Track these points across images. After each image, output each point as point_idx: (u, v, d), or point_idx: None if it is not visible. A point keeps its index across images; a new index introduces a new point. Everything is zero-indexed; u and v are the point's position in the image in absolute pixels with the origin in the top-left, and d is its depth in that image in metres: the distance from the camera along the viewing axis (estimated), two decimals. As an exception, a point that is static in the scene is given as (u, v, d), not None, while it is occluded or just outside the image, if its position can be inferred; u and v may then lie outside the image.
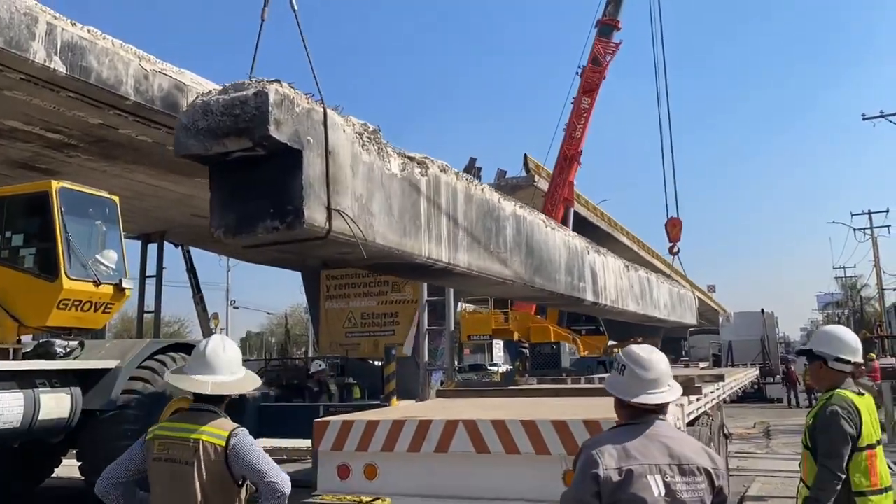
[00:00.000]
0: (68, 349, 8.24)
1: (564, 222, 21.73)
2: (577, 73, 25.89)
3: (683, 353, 40.69)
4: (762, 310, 33.42)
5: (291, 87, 4.18)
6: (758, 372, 22.37)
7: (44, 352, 8.04)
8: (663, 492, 2.35)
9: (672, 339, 44.58)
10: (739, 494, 9.35)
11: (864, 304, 62.59)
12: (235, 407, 3.38)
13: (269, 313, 66.92)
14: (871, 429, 3.74)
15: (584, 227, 28.41)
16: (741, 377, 12.58)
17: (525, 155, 28.94)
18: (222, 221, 4.28)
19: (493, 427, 4.51)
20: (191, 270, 17.61)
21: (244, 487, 3.22)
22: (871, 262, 45.07)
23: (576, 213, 28.31)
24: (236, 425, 3.24)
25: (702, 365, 20.54)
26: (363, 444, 4.77)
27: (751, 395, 26.57)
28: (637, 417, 2.54)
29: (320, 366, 12.07)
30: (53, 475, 9.85)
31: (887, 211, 45.01)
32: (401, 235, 5.01)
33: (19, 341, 8.37)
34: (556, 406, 5.86)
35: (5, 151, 12.33)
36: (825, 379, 3.85)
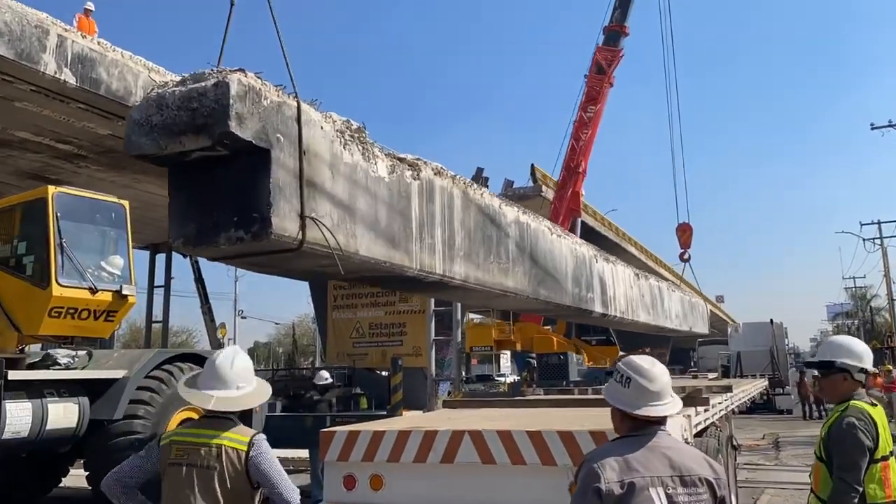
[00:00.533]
0: (75, 359, 8.25)
1: (571, 233, 21.64)
2: (586, 81, 25.78)
3: (692, 363, 40.46)
4: (771, 320, 33.23)
5: (258, 78, 3.77)
6: (767, 383, 22.21)
7: (51, 362, 8.05)
8: (665, 503, 2.34)
9: (681, 350, 44.36)
10: (748, 506, 9.27)
11: (874, 315, 62.15)
12: (243, 418, 3.39)
13: (276, 323, 67.02)
14: (885, 440, 3.70)
15: (591, 237, 28.32)
16: (750, 388, 12.49)
17: (532, 165, 28.97)
18: (181, 231, 3.89)
19: (500, 438, 4.49)
20: (199, 280, 17.66)
21: (258, 493, 3.29)
22: (881, 272, 44.75)
23: (583, 223, 28.24)
24: (255, 431, 3.31)
25: (710, 375, 20.43)
26: (369, 455, 4.75)
27: (760, 407, 26.41)
28: (639, 429, 2.52)
29: (326, 378, 12.00)
30: (61, 484, 9.87)
31: (897, 220, 44.71)
32: (388, 246, 4.60)
33: (22, 350, 8.33)
34: (562, 417, 5.83)
35: (16, 162, 12.45)
36: (841, 390, 3.80)
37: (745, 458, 13.92)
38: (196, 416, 8.44)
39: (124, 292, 8.77)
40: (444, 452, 4.57)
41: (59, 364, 7.99)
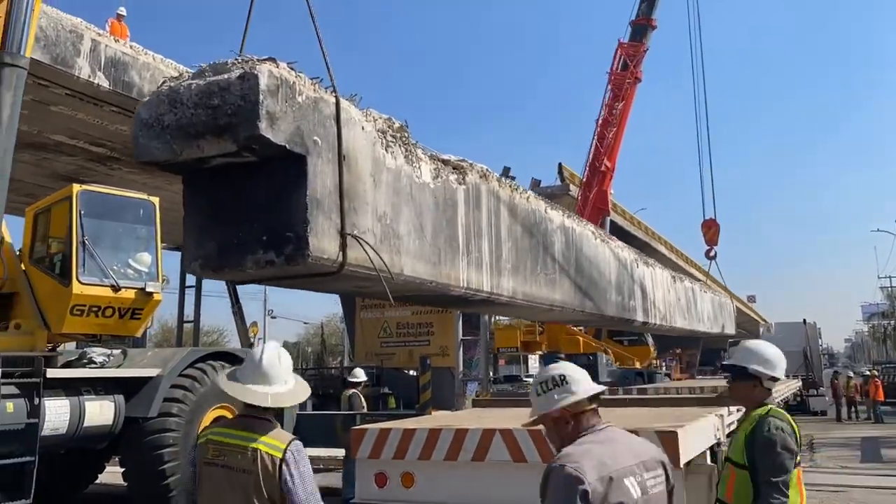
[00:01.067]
0: (110, 357, 8.37)
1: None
2: (608, 79, 25.14)
3: (722, 364, 39.96)
4: (804, 320, 32.68)
5: (291, 69, 3.22)
6: (800, 383, 21.85)
7: (87, 360, 8.19)
8: (640, 491, 2.34)
9: (711, 350, 43.79)
10: (783, 508, 9.13)
11: (911, 315, 60.81)
12: (276, 416, 3.36)
13: (305, 323, 67.45)
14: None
15: (620, 236, 27.88)
16: (783, 388, 12.32)
17: (560, 164, 28.78)
18: (199, 252, 3.35)
19: (530, 436, 4.48)
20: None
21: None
22: (918, 271, 43.71)
23: (612, 222, 27.94)
24: (293, 437, 3.19)
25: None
26: (400, 453, 4.76)
27: (794, 408, 25.94)
28: (588, 428, 2.49)
29: (359, 377, 11.92)
30: (97, 481, 10.05)
31: (934, 218, 43.71)
32: (435, 262, 4.13)
33: (54, 348, 8.44)
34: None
35: (51, 165, 12.72)
36: (754, 396, 3.75)
37: (779, 460, 13.70)
38: (230, 415, 8.56)
39: (148, 290, 8.62)
40: (475, 451, 4.57)
41: (95, 362, 8.12)
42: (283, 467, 3.07)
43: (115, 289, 8.32)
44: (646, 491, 2.35)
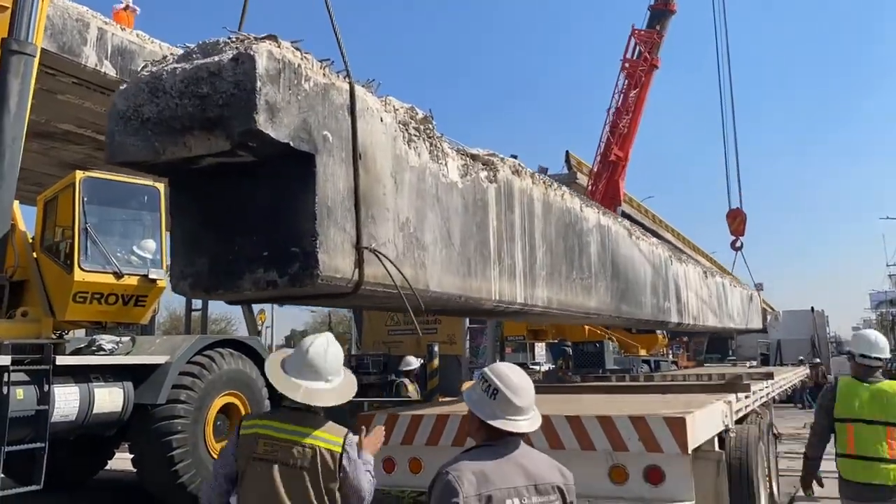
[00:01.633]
0: (119, 344, 8.42)
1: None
2: (621, 66, 24.51)
3: (730, 352, 39.89)
4: (812, 308, 32.60)
5: (296, 49, 2.72)
6: (808, 371, 21.79)
7: (96, 347, 8.24)
8: None
9: (718, 339, 43.71)
10: (790, 495, 9.12)
11: (920, 303, 60.51)
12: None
13: (312, 311, 67.60)
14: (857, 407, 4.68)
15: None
16: (790, 376, 12.29)
17: (567, 152, 28.71)
18: (188, 268, 2.89)
19: (538, 422, 4.48)
20: (237, 269, 17.82)
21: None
22: (927, 259, 43.48)
23: (622, 212, 27.78)
24: (346, 430, 3.06)
25: (749, 364, 20.11)
26: (408, 438, 4.78)
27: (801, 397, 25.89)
28: (496, 438, 2.50)
29: (411, 364, 11.81)
30: (106, 467, 10.13)
31: (944, 206, 43.38)
32: (464, 274, 3.68)
33: (61, 336, 8.48)
34: (601, 402, 5.80)
35: (59, 154, 12.76)
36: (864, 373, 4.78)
37: (786, 447, 13.68)
38: (239, 403, 8.57)
39: (152, 276, 8.57)
40: (483, 436, 4.58)
41: (104, 349, 8.16)
42: (344, 463, 2.98)
43: (118, 276, 8.29)
44: None
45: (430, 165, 3.39)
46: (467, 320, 19.17)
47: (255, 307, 21.23)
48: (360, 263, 2.83)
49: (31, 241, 8.62)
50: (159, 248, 8.87)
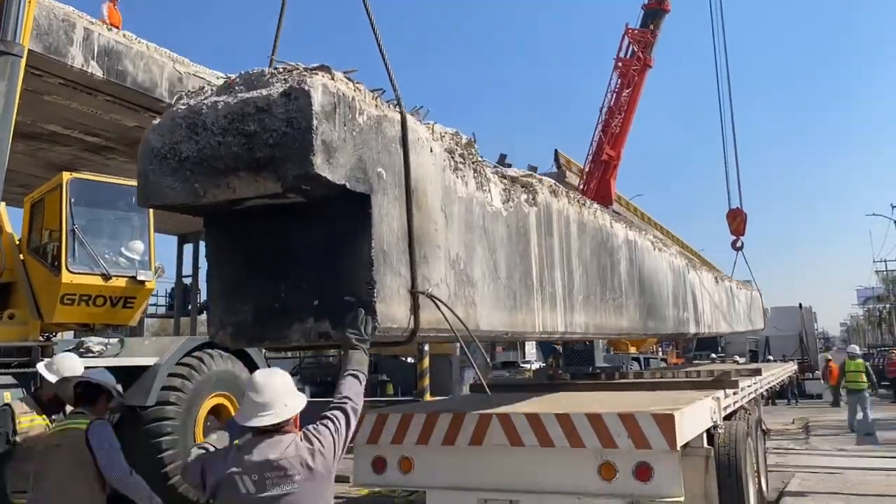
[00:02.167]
0: (107, 346, 8.38)
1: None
2: (614, 65, 24.36)
3: (719, 348, 40.14)
4: (800, 304, 32.80)
5: (348, 80, 2.51)
6: (796, 367, 21.95)
7: (84, 349, 8.19)
8: (253, 489, 2.69)
9: (706, 336, 43.92)
10: (779, 490, 9.20)
11: (907, 298, 61.03)
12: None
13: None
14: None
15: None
16: (779, 372, 12.38)
17: (556, 150, 28.79)
18: (230, 316, 2.68)
19: (528, 420, 4.50)
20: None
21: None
22: (913, 255, 43.86)
23: (613, 211, 27.67)
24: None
25: (740, 360, 20.22)
26: (398, 438, 4.79)
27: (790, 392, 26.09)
28: (254, 433, 2.82)
29: None
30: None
31: (929, 202, 43.82)
32: (511, 308, 3.53)
33: (48, 338, 8.42)
34: (590, 400, 5.83)
35: (46, 155, 12.67)
36: None
37: (775, 443, 13.80)
38: (228, 404, 8.56)
39: (140, 278, 8.53)
40: (473, 435, 4.60)
41: (93, 351, 8.11)
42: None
43: (106, 277, 8.25)
44: (263, 488, 2.69)
45: (477, 195, 3.21)
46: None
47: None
48: (415, 310, 2.64)
49: (17, 242, 8.56)
50: (147, 249, 8.84)
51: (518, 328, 3.57)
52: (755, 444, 7.13)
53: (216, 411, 8.66)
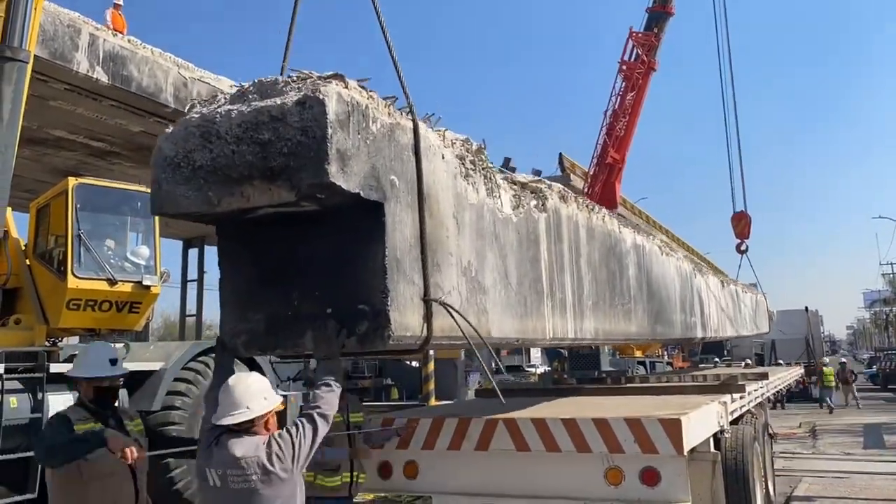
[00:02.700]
0: (113, 351, 8.38)
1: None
2: (618, 69, 24.24)
3: (725, 352, 40.05)
4: (806, 307, 32.72)
5: (362, 88, 2.55)
6: (802, 371, 21.86)
7: (90, 354, 8.19)
8: (218, 483, 2.99)
9: (713, 340, 43.82)
10: (786, 495, 9.15)
11: (914, 302, 60.81)
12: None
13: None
14: None
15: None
16: (785, 375, 12.33)
17: (560, 154, 28.75)
18: (242, 324, 2.71)
19: (534, 425, 4.48)
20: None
21: None
22: (920, 258, 43.71)
23: (617, 214, 27.53)
24: None
25: (744, 364, 20.16)
26: (404, 442, 4.78)
27: (796, 395, 26.03)
28: (223, 432, 3.07)
29: None
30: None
31: (936, 205, 43.63)
32: (521, 315, 3.54)
33: (55, 343, 8.43)
34: (596, 405, 5.81)
35: (51, 160, 12.71)
36: None
37: (782, 447, 13.73)
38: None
39: (146, 283, 8.51)
40: (479, 440, 4.58)
41: (98, 356, 8.12)
42: None
43: (112, 282, 8.24)
44: (225, 482, 2.97)
45: (488, 201, 3.20)
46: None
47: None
48: (428, 318, 2.64)
49: (24, 248, 8.57)
50: (153, 254, 8.84)
51: (529, 335, 3.58)
52: (762, 449, 7.10)
53: (221, 416, 8.65)
